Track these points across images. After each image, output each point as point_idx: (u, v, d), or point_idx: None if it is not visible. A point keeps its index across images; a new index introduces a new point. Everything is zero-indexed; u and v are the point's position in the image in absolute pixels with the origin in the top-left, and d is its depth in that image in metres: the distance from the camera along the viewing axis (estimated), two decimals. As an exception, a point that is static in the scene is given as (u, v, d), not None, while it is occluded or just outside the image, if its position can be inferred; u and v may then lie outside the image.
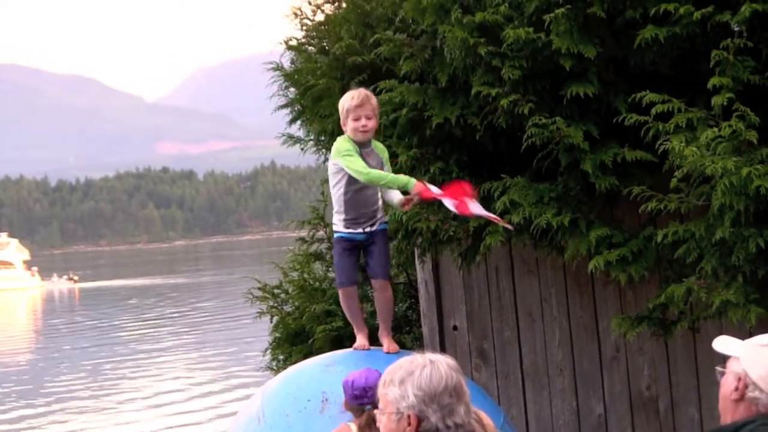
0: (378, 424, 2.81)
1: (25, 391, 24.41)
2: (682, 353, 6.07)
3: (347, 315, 5.20)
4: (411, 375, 2.74)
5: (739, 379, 2.89)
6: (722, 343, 3.03)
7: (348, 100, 4.93)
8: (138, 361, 28.26)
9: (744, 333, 3.77)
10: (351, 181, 4.89)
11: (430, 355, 2.81)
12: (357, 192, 4.92)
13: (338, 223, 5.00)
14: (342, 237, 4.99)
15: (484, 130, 5.51)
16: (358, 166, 4.80)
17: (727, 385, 2.93)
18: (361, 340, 5.09)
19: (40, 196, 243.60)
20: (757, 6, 4.75)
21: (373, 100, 4.99)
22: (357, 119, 4.88)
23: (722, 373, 2.98)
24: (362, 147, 4.90)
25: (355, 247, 5.01)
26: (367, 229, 4.95)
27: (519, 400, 6.68)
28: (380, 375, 4.16)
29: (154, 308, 47.13)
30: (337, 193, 4.96)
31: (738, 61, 4.81)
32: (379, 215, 5.00)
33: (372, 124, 4.92)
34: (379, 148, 5.06)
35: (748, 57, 4.86)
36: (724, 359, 3.02)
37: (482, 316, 6.80)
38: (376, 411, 2.83)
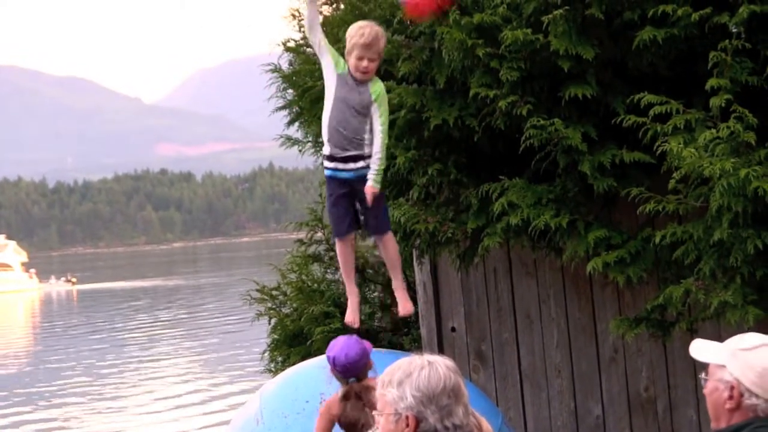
0: (377, 425, 2.81)
1: (32, 393, 24.37)
2: (680, 354, 6.05)
3: (341, 268, 4.97)
4: (409, 376, 2.73)
5: (732, 387, 2.85)
6: (699, 349, 2.98)
7: (357, 36, 4.66)
8: (150, 363, 28.15)
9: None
10: (340, 84, 4.69)
11: (428, 357, 2.80)
12: (344, 105, 4.68)
13: (326, 157, 4.75)
14: (330, 177, 4.76)
15: (482, 131, 5.51)
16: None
17: (718, 394, 2.89)
18: (350, 314, 4.88)
19: (39, 197, 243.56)
20: (755, 7, 4.75)
21: (382, 41, 4.72)
22: (360, 59, 4.64)
23: (707, 380, 2.93)
24: (356, 82, 4.70)
25: (346, 193, 4.74)
26: (351, 165, 4.68)
27: (517, 401, 6.67)
28: (360, 346, 4.21)
29: (155, 310, 47.06)
30: (326, 112, 4.73)
31: (736, 62, 4.81)
32: (366, 151, 4.68)
33: (373, 66, 4.68)
34: (374, 87, 4.75)
35: (746, 58, 4.86)
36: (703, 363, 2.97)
37: (480, 318, 6.80)
38: (375, 412, 2.83)
